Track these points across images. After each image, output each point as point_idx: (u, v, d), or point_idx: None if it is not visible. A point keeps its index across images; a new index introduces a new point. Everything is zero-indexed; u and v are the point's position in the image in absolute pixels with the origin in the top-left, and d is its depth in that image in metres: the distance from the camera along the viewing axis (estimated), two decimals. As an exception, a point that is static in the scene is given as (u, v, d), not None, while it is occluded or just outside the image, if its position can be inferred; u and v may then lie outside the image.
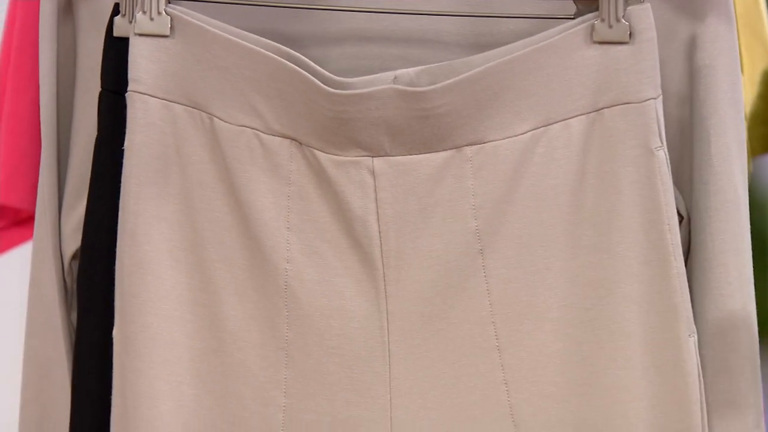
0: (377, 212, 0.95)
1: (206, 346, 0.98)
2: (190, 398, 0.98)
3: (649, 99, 0.94)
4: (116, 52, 0.98)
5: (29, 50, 1.13)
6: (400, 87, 0.94)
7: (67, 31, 1.04)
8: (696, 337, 0.95)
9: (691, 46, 0.98)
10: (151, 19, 0.97)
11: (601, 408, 0.95)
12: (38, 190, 1.04)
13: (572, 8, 0.97)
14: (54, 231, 1.03)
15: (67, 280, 1.04)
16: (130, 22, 0.97)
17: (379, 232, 0.95)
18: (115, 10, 0.99)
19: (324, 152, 0.95)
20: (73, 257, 1.03)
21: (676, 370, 0.94)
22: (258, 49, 0.96)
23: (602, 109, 0.95)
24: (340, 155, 0.95)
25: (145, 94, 0.97)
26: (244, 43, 0.96)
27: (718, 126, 0.97)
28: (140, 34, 0.97)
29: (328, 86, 0.95)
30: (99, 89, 1.01)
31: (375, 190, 0.95)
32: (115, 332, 0.97)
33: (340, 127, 0.95)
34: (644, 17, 0.94)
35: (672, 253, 0.94)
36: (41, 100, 1.03)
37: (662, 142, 0.95)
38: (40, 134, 1.12)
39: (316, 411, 0.96)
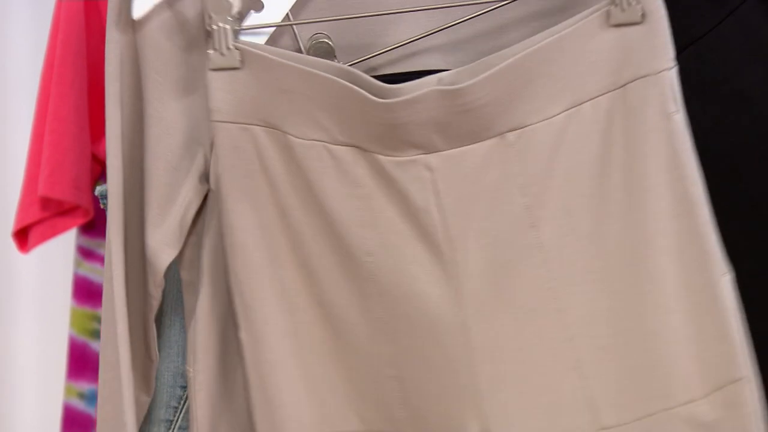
0: (437, 203, 1.02)
1: (324, 332, 1.05)
2: (321, 379, 1.05)
3: (663, 70, 1.01)
4: None
5: (71, 60, 1.19)
6: (440, 87, 1.00)
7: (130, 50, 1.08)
8: (730, 276, 1.00)
9: None
10: (222, 54, 1.03)
11: (651, 352, 1.02)
12: (108, 209, 1.07)
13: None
14: (120, 248, 1.06)
15: (155, 290, 1.08)
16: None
17: (441, 220, 1.02)
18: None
19: (384, 155, 1.02)
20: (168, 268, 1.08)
21: (715, 308, 1.00)
22: (315, 71, 1.02)
23: (625, 84, 1.01)
24: (399, 156, 1.02)
25: (226, 121, 1.04)
26: (303, 67, 1.03)
27: None
28: (215, 69, 1.03)
29: (380, 95, 1.01)
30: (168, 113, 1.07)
31: (432, 183, 1.02)
32: (242, 335, 1.04)
33: (395, 132, 1.01)
34: None
35: (697, 204, 1.01)
36: (108, 131, 1.07)
37: (678, 107, 1.01)
38: (80, 134, 1.18)
39: (419, 379, 1.04)
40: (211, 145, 1.04)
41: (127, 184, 1.08)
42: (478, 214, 1.02)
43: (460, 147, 1.02)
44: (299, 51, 1.08)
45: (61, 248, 1.40)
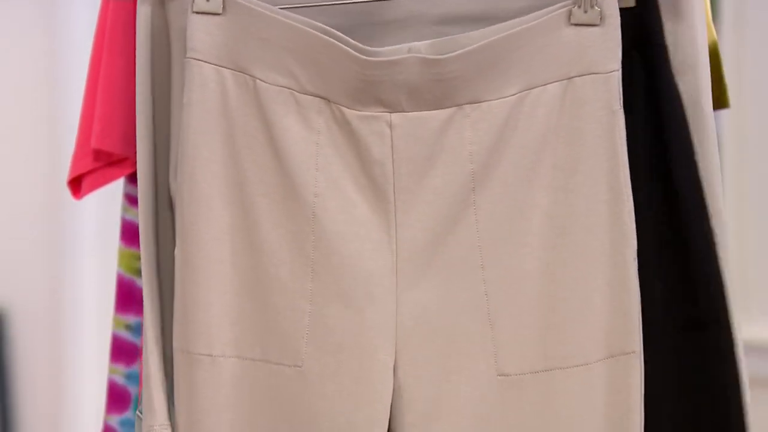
0: (392, 157, 1.10)
1: (247, 263, 1.12)
2: (235, 305, 1.12)
3: (613, 71, 1.11)
4: None
5: (121, 28, 1.27)
6: (422, 55, 1.09)
7: (160, 20, 1.17)
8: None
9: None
10: (207, 0, 1.11)
11: (560, 315, 1.11)
12: (138, 160, 1.18)
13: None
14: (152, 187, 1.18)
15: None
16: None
17: (393, 173, 1.11)
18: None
19: (350, 108, 1.10)
20: None
21: (624, 286, 1.11)
22: (296, 24, 1.10)
23: (574, 77, 1.11)
24: (364, 111, 1.10)
25: (200, 60, 1.11)
26: (284, 19, 1.10)
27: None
28: (197, 12, 1.11)
29: (359, 53, 1.09)
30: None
31: (391, 138, 1.10)
32: (176, 252, 1.13)
33: (367, 88, 1.09)
34: (612, 5, 1.11)
35: (625, 193, 1.11)
36: (138, 88, 1.16)
37: (620, 105, 1.11)
38: (128, 93, 1.24)
39: (335, 316, 1.11)
40: None
41: (155, 134, 1.18)
42: (427, 172, 1.11)
43: (421, 111, 1.11)
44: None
45: (119, 197, 1.50)
